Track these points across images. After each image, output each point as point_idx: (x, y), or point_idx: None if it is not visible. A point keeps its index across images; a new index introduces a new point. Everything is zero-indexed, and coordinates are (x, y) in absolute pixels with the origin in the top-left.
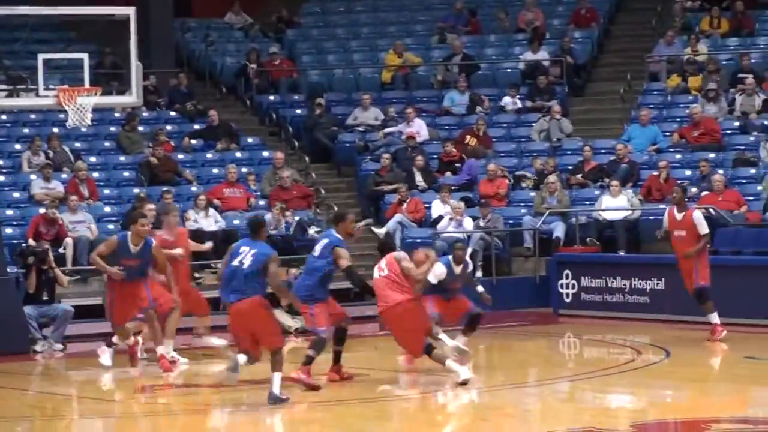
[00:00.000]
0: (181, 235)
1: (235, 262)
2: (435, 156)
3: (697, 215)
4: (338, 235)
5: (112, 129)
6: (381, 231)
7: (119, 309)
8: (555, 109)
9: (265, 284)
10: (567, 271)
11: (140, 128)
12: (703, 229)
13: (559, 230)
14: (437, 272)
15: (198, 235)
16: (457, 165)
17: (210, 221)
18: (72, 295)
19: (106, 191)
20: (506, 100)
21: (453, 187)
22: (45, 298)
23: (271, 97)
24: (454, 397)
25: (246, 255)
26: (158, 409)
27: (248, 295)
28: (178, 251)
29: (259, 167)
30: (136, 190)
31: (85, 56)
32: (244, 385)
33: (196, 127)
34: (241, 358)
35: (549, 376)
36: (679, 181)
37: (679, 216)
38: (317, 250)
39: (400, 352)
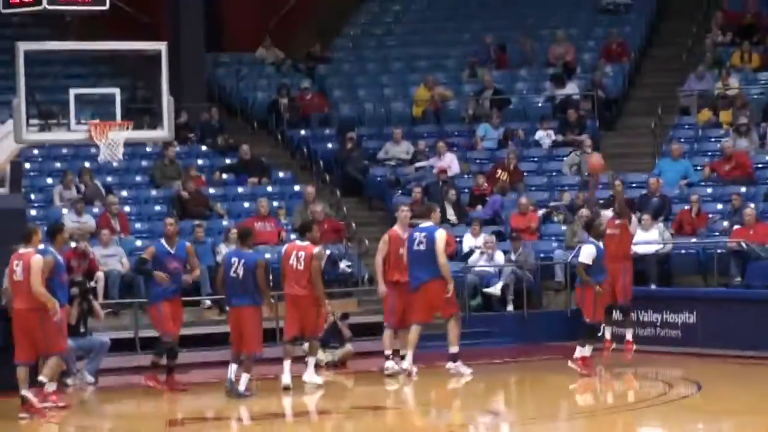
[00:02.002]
0: None
1: (232, 273)
2: (466, 190)
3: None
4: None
5: (144, 163)
6: None
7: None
8: (586, 143)
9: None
10: None
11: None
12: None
13: None
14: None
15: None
16: (487, 199)
17: None
18: (102, 328)
19: (138, 225)
20: (540, 134)
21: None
22: (81, 330)
23: (302, 132)
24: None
25: (238, 265)
26: None
27: (247, 301)
28: None
29: (290, 201)
30: None
31: (116, 91)
32: (277, 418)
33: (228, 161)
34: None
35: (581, 410)
36: (710, 215)
37: (616, 221)
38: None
39: (433, 384)
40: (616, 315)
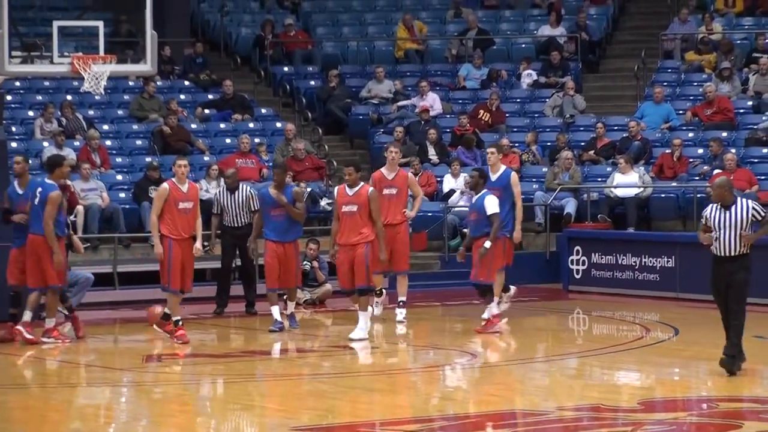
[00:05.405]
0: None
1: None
2: (448, 130)
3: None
4: None
5: (126, 97)
6: None
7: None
8: (569, 85)
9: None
10: (577, 248)
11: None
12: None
13: (570, 206)
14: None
15: (210, 205)
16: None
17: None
18: (81, 262)
19: (118, 159)
20: (524, 73)
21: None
22: None
23: (286, 69)
24: (462, 372)
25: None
26: (165, 379)
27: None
28: None
29: (272, 138)
30: (148, 159)
31: (100, 24)
32: (254, 355)
33: (210, 96)
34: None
35: (558, 352)
36: (691, 159)
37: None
38: None
39: (411, 324)
40: None
